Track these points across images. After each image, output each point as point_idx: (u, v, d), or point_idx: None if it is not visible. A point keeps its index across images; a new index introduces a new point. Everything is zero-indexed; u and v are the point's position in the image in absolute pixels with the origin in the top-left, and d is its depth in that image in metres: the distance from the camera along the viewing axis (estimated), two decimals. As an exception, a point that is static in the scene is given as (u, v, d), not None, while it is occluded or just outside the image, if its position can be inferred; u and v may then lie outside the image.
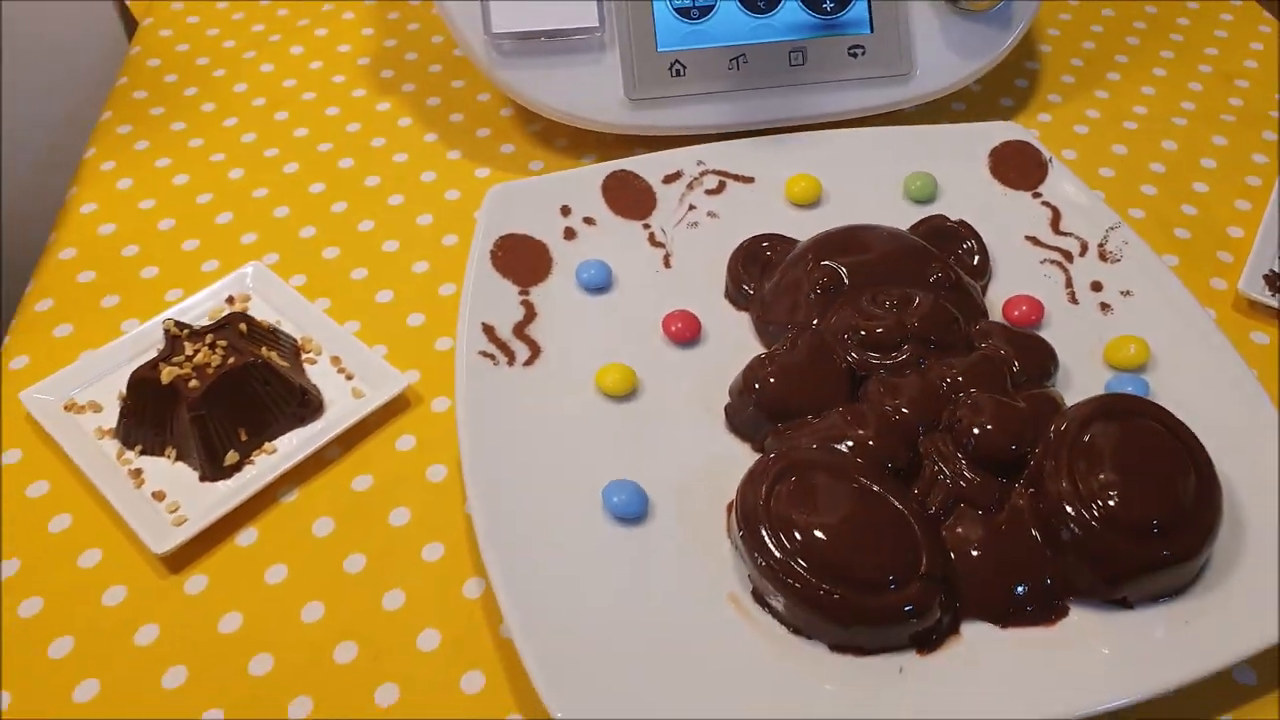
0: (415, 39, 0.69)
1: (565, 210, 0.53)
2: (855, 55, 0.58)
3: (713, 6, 0.57)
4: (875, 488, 0.39)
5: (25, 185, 0.76)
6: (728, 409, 0.45)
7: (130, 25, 0.78)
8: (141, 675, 0.39)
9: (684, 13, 0.57)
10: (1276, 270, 0.52)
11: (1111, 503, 0.37)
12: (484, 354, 0.46)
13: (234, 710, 0.38)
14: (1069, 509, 0.38)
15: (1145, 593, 0.38)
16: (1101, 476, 0.38)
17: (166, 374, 0.43)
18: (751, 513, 0.38)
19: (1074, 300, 0.49)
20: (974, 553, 0.39)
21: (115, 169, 0.60)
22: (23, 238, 0.66)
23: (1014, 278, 0.51)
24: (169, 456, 0.45)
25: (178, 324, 0.46)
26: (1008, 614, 0.38)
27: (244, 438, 0.45)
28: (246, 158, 0.61)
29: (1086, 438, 0.39)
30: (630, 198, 0.54)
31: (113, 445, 0.45)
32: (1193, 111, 0.63)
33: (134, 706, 0.38)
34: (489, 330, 0.47)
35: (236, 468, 0.44)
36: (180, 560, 0.42)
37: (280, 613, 0.41)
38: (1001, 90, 0.65)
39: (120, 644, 0.40)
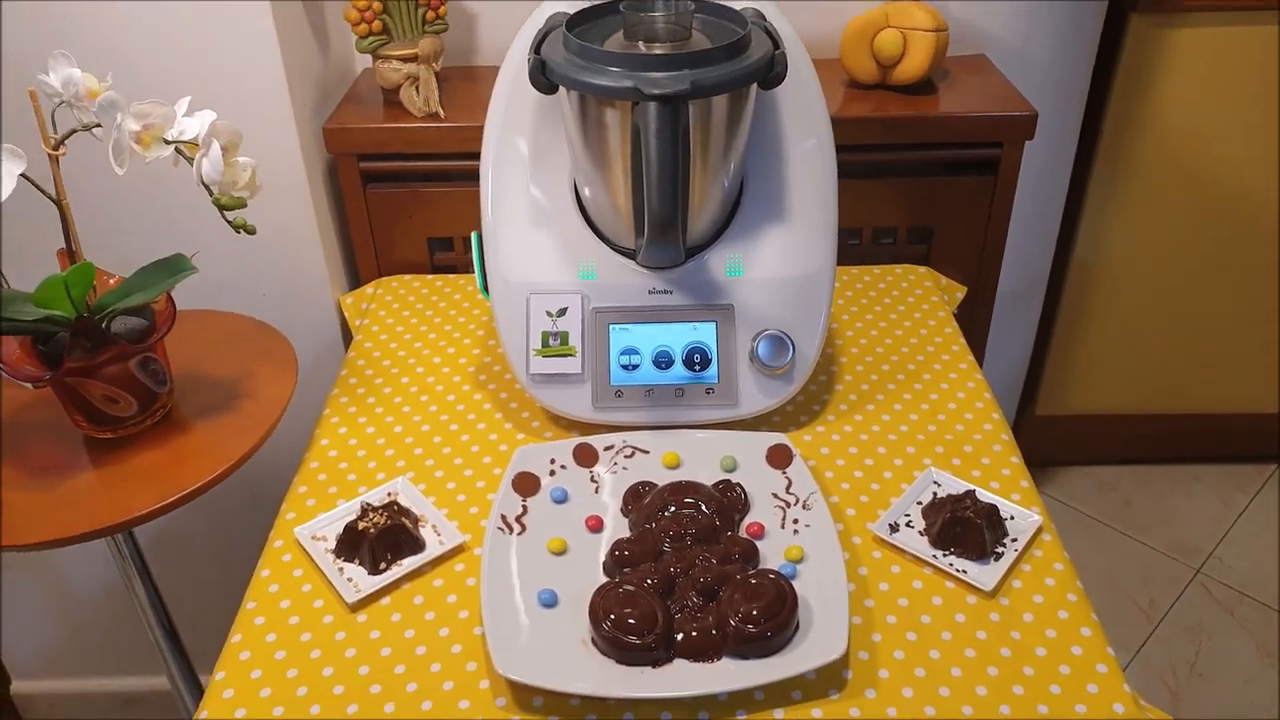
0: (505, 365, 1.28)
1: (552, 461, 1.09)
2: (709, 393, 1.13)
3: (639, 365, 1.13)
4: (649, 597, 0.91)
5: (288, 431, 1.37)
6: (604, 563, 0.98)
7: (348, 338, 1.41)
8: (336, 653, 0.93)
9: (624, 367, 1.13)
10: (896, 522, 1.03)
11: (743, 613, 0.89)
12: (499, 529, 1.01)
13: (372, 669, 0.91)
14: (727, 615, 0.89)
15: (756, 652, 0.88)
16: (744, 603, 0.89)
17: (361, 525, 0.99)
18: (594, 603, 0.91)
19: (783, 526, 1.01)
20: (691, 632, 0.90)
21: (336, 423, 1.19)
22: (284, 467, 1.24)
23: (760, 513, 1.03)
24: (356, 562, 1.00)
25: (367, 503, 1.02)
26: (696, 656, 0.89)
27: (389, 557, 0.99)
28: (412, 428, 1.19)
29: (750, 583, 0.91)
30: (585, 456, 1.10)
31: (331, 556, 1.01)
32: (908, 453, 1.16)
33: (333, 664, 0.92)
34: (504, 518, 1.02)
35: (383, 570, 0.99)
36: (357, 607, 0.97)
37: (396, 633, 0.94)
38: (804, 411, 1.18)
39: (329, 640, 0.94)
